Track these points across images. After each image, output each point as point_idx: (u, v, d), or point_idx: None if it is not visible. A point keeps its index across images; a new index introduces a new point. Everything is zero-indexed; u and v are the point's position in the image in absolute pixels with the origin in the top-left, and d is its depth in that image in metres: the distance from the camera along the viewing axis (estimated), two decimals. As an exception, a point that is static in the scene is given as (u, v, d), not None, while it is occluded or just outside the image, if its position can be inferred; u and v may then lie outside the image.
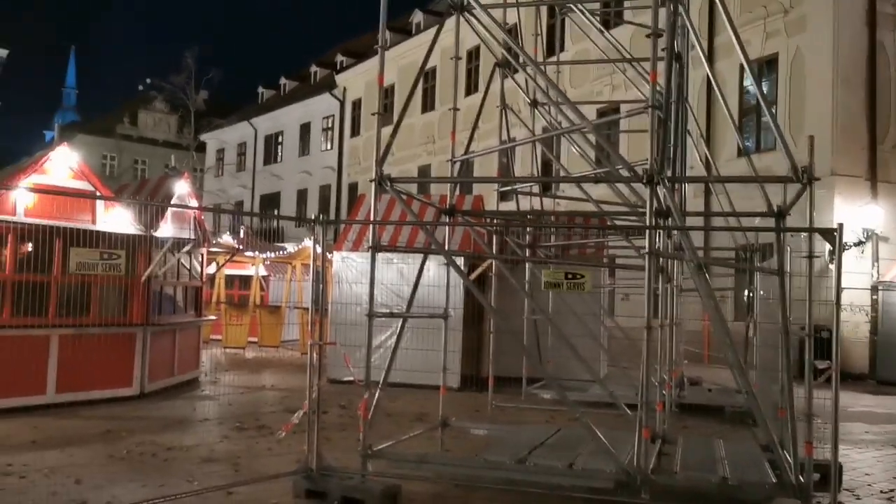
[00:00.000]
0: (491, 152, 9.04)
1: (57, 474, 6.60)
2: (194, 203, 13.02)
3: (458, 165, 8.20)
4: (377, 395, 6.68)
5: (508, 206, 12.70)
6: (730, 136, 19.82)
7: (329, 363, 12.92)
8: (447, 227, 8.50)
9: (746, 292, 12.76)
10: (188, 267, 12.78)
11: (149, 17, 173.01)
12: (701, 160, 13.66)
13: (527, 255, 11.35)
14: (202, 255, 13.39)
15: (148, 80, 45.48)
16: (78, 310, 10.16)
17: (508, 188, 10.70)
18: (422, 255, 8.44)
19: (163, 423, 9.34)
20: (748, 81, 19.80)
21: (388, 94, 33.26)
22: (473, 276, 12.90)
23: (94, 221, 10.30)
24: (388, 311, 12.79)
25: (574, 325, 11.14)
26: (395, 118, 7.11)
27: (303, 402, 8.97)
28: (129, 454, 7.49)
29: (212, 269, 17.22)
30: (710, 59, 19.42)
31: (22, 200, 9.58)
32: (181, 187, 12.03)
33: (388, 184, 6.26)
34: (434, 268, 12.57)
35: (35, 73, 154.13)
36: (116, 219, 10.57)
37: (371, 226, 6.82)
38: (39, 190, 9.63)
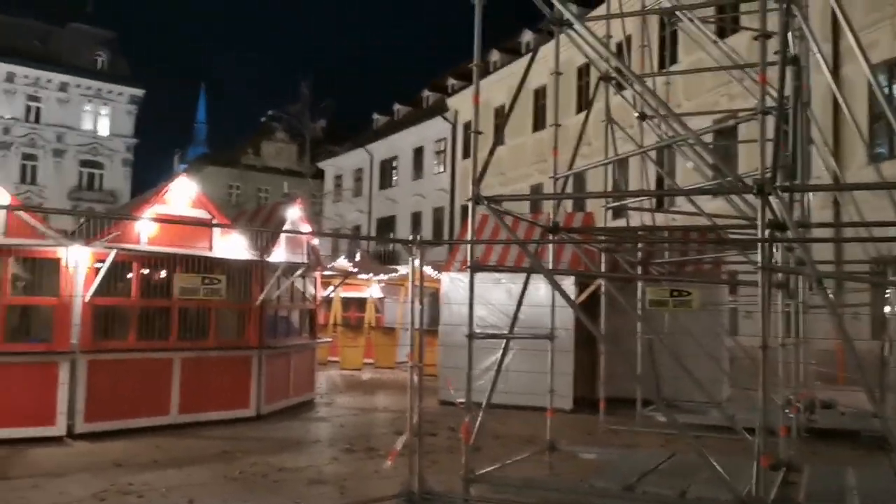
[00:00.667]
0: (596, 167, 8.79)
1: (173, 493, 6.82)
2: (307, 228, 13.35)
3: (561, 182, 8.03)
4: (480, 417, 6.58)
5: (620, 223, 12.38)
6: (860, 143, 18.64)
7: (440, 385, 12.91)
8: (551, 246, 8.30)
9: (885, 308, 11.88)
10: (302, 290, 13.09)
11: (271, 51, 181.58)
12: (828, 169, 12.89)
13: (638, 272, 10.97)
14: (315, 278, 13.69)
15: (270, 112, 47.33)
16: (197, 333, 10.57)
17: (617, 204, 10.41)
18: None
19: (277, 444, 9.53)
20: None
21: (499, 114, 33.41)
22: (584, 296, 12.62)
23: (211, 248, 10.71)
24: (496, 332, 12.71)
25: (692, 345, 10.69)
26: (505, 138, 7.04)
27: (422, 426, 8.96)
28: (243, 474, 7.66)
29: (329, 291, 17.60)
30: (836, 62, 18.39)
31: (145, 230, 10.07)
32: (293, 213, 12.37)
33: (485, 202, 6.17)
34: (545, 287, 12.38)
35: (169, 110, 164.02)
36: (232, 245, 10.95)
37: (469, 245, 6.74)
38: (160, 220, 10.10)
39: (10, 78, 46.90)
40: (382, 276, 20.36)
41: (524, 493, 6.17)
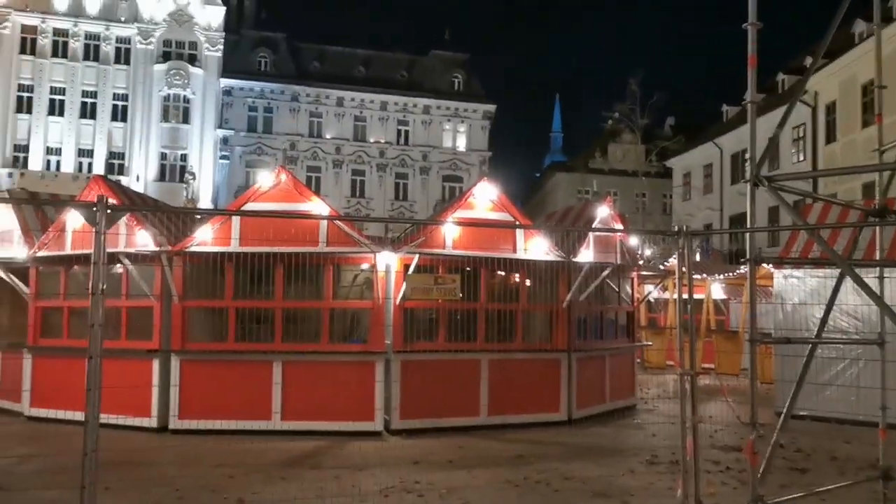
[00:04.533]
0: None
1: (451, 496, 6.81)
2: (619, 227, 12.78)
3: (892, 155, 6.58)
4: (775, 436, 5.60)
5: None
6: None
7: (776, 396, 11.51)
8: (878, 236, 6.81)
9: None
10: (618, 291, 12.56)
11: (618, 52, 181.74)
12: None
13: None
14: (632, 279, 13.06)
15: (616, 114, 47.06)
16: (504, 335, 10.60)
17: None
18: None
19: (576, 450, 9.16)
20: None
21: (866, 91, 29.62)
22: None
23: (514, 250, 10.70)
24: (843, 337, 10.92)
25: None
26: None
27: (743, 439, 8.11)
28: (526, 481, 7.43)
29: (649, 293, 16.77)
30: None
31: (450, 234, 10.35)
32: (602, 212, 11.90)
33: (765, 183, 5.22)
34: (899, 284, 10.37)
35: (524, 121, 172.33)
36: (537, 247, 10.82)
37: (750, 234, 5.76)
38: (462, 223, 10.26)
39: (383, 106, 52.61)
40: (718, 276, 18.83)
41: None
